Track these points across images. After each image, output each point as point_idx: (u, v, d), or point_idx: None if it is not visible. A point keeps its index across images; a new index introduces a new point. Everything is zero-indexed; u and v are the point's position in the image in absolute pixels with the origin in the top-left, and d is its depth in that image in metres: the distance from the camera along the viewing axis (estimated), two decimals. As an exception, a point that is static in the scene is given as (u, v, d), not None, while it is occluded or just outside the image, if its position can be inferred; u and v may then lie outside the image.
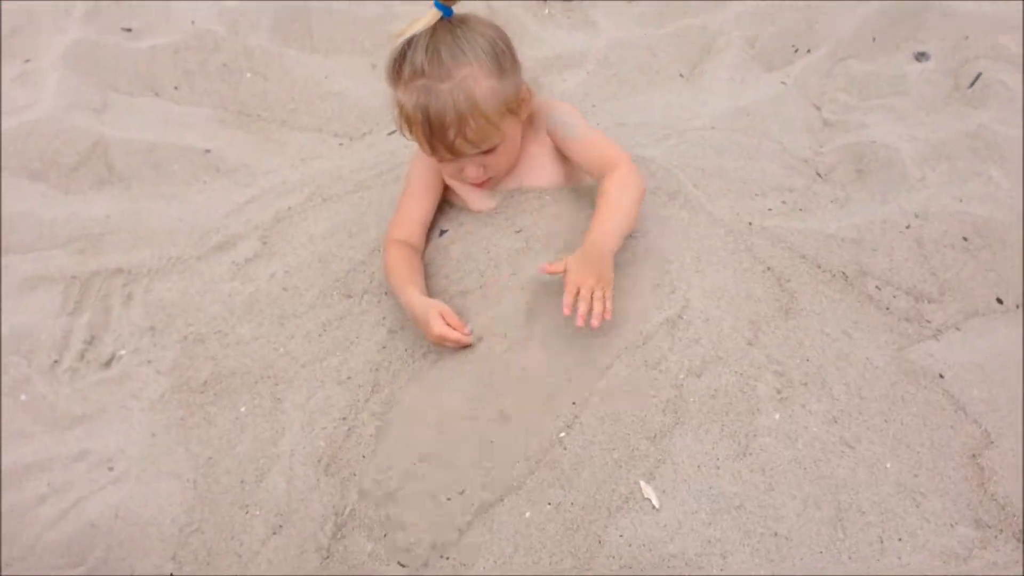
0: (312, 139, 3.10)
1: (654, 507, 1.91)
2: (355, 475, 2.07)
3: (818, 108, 3.19)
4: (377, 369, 2.21)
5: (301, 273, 2.52)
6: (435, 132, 2.08)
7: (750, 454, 1.99)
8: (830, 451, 2.04)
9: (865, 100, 3.14)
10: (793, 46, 3.32)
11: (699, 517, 1.90)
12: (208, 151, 2.99)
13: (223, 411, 2.30)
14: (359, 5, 3.49)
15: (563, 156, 2.36)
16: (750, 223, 2.51)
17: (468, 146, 2.12)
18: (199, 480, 2.18)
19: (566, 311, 1.98)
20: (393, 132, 3.00)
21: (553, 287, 2.14)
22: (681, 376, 2.05)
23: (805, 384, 2.12)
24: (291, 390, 2.27)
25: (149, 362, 2.46)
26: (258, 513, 2.09)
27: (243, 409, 2.29)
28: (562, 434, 2.00)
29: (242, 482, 2.15)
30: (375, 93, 3.16)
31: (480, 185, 2.29)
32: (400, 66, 2.08)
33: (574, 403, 2.02)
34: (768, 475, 1.97)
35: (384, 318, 2.30)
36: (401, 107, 2.12)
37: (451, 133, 2.08)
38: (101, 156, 2.94)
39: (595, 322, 1.98)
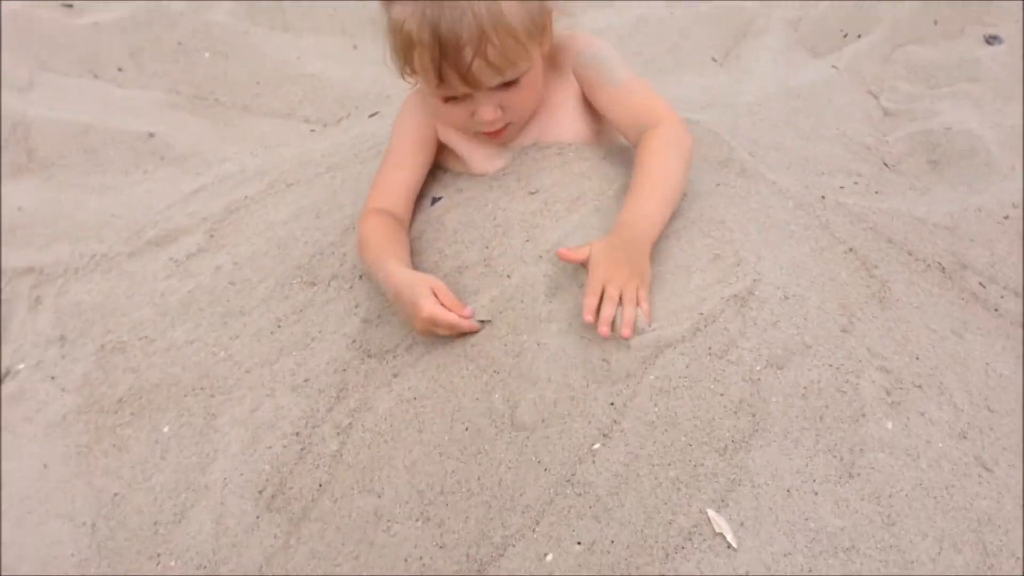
0: (278, 126, 2.59)
1: (730, 546, 1.34)
2: (309, 510, 1.50)
3: (875, 96, 2.71)
4: (344, 369, 1.65)
5: (254, 263, 1.99)
6: (447, 53, 1.55)
7: (858, 475, 1.42)
8: (964, 474, 1.48)
9: (932, 88, 2.67)
10: (841, 30, 2.87)
11: (794, 561, 1.33)
12: (152, 135, 2.48)
13: (140, 433, 1.74)
14: (339, -19, 3.04)
15: (592, 107, 1.83)
16: (823, 196, 1.98)
17: (489, 72, 1.59)
18: (99, 523, 1.61)
19: (587, 317, 1.46)
20: (375, 114, 2.50)
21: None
22: (758, 368, 1.49)
23: (919, 387, 1.57)
24: (231, 402, 1.71)
25: (53, 378, 1.91)
26: (173, 565, 1.51)
27: (166, 429, 1.73)
28: (596, 445, 1.43)
29: (155, 524, 1.58)
30: (358, 76, 2.67)
31: (495, 135, 1.75)
32: None
33: (612, 404, 1.46)
34: (886, 504, 1.40)
35: (357, 306, 1.75)
36: (398, 27, 1.58)
37: (468, 53, 1.55)
38: (21, 140, 2.43)
39: (626, 331, 1.46)
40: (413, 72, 1.64)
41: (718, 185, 1.86)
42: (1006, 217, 2.24)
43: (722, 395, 1.46)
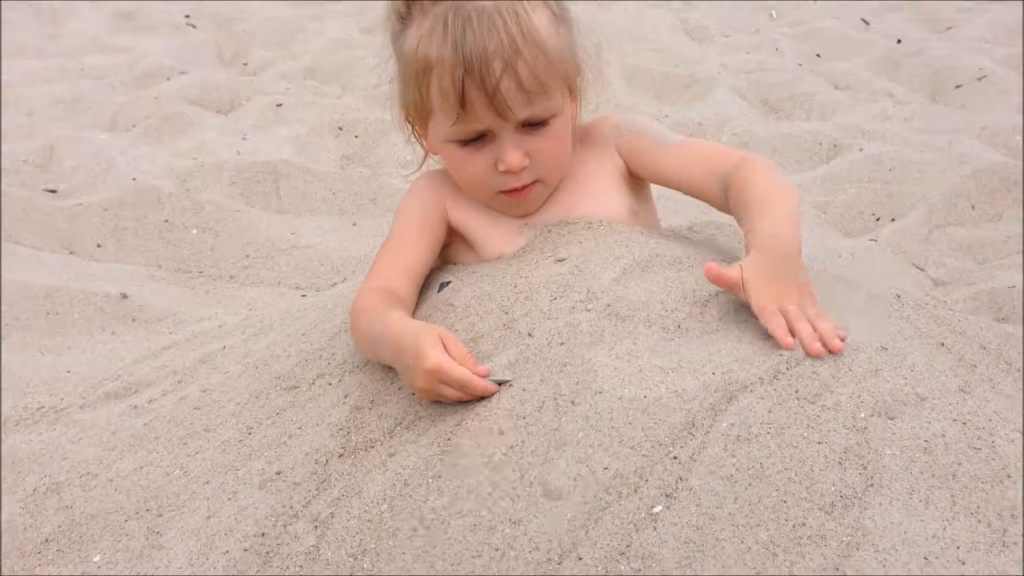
0: (267, 292, 2.36)
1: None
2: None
3: (921, 269, 2.51)
4: (327, 460, 1.30)
5: (226, 386, 1.67)
6: (472, 69, 1.34)
7: (1015, 543, 1.05)
8: None
9: (982, 263, 2.48)
10: (874, 214, 2.72)
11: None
12: (125, 296, 2.23)
13: (64, 568, 1.35)
14: (340, 168, 2.92)
15: (632, 186, 1.60)
16: (898, 295, 1.71)
17: (519, 97, 1.37)
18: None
19: (787, 341, 1.20)
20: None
21: (628, 302, 1.31)
22: (862, 415, 1.15)
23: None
24: (181, 516, 1.34)
25: (-31, 533, 1.53)
26: None
27: (97, 559, 1.35)
28: (657, 508, 1.06)
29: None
30: (356, 245, 2.47)
31: (520, 193, 1.49)
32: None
33: (674, 457, 1.11)
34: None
35: (346, 396, 1.42)
36: (413, 52, 1.39)
37: (497, 68, 1.34)
38: (-23, 302, 2.19)
39: (837, 343, 1.21)
40: (426, 113, 1.43)
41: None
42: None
43: (820, 443, 1.11)
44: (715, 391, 1.17)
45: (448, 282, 1.55)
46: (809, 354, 1.18)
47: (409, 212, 1.60)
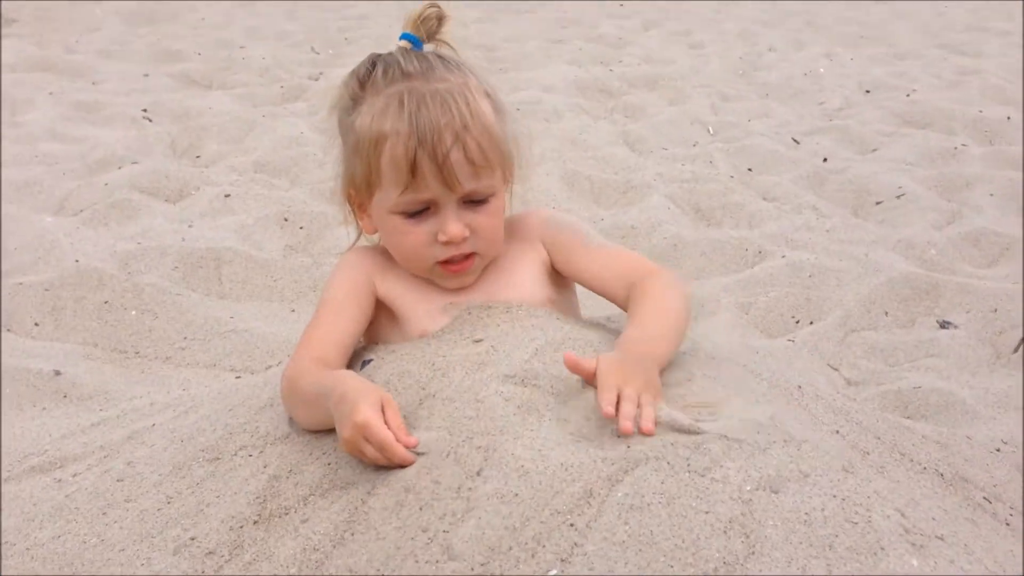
0: (202, 373, 2.39)
1: None
2: None
3: (835, 369, 2.63)
4: (242, 526, 1.34)
5: (151, 459, 1.70)
6: (425, 141, 1.47)
7: (887, 613, 1.12)
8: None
9: (893, 366, 2.62)
10: (793, 317, 2.86)
11: None
12: (58, 373, 2.26)
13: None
14: (283, 257, 2.99)
15: (554, 277, 1.71)
16: (799, 386, 1.81)
17: (466, 169, 1.50)
18: None
19: (607, 409, 1.27)
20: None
21: (538, 378, 1.38)
22: (748, 488, 1.22)
23: (941, 539, 1.30)
24: (88, 584, 1.35)
25: None
26: None
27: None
28: (552, 572, 1.12)
29: None
30: (293, 332, 2.52)
31: (458, 266, 1.59)
32: (369, 74, 1.54)
33: (571, 525, 1.17)
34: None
35: (265, 466, 1.46)
36: (366, 126, 1.51)
37: (448, 140, 1.47)
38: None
39: (650, 426, 1.29)
40: (372, 185, 1.53)
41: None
42: (998, 449, 2.09)
43: (707, 513, 1.18)
44: (612, 463, 1.24)
45: (370, 360, 1.61)
46: (619, 430, 1.27)
47: (339, 285, 1.67)
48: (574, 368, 1.35)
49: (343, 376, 1.39)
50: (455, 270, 1.59)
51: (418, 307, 1.63)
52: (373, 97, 1.52)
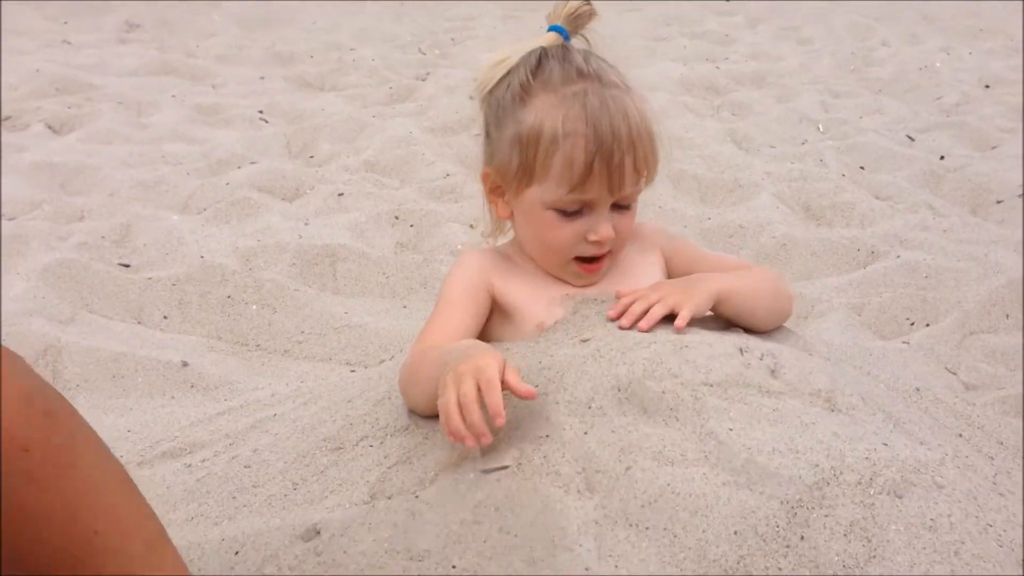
0: (318, 367, 2.48)
1: None
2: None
3: (953, 373, 2.55)
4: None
5: (275, 447, 1.78)
6: (603, 145, 1.51)
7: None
8: None
9: (1014, 370, 2.53)
10: (908, 319, 2.78)
11: None
12: (186, 364, 2.37)
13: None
14: (394, 254, 3.07)
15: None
16: (917, 389, 1.78)
17: (632, 175, 1.57)
18: None
19: (610, 313, 1.55)
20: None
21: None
22: (871, 492, 1.22)
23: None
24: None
25: None
26: None
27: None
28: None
29: None
30: (405, 326, 2.59)
31: (596, 265, 1.66)
32: (538, 69, 1.58)
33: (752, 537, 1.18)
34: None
35: (386, 456, 1.51)
36: (535, 121, 1.56)
37: (623, 149, 1.53)
38: (50, 363, 2.33)
39: (644, 324, 1.51)
40: (529, 179, 1.58)
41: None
42: None
43: (827, 516, 1.18)
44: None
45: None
46: (619, 324, 1.51)
47: (455, 283, 1.72)
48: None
49: (471, 340, 1.49)
50: (593, 269, 1.66)
51: (535, 301, 1.67)
52: (547, 93, 1.56)
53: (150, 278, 2.77)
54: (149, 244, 3.03)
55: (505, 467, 1.31)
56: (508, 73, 1.61)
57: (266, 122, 4.70)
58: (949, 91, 5.27)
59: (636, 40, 7.06)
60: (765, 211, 3.37)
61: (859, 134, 4.39)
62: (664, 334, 1.53)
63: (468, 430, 1.27)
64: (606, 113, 1.52)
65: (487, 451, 1.35)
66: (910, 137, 4.38)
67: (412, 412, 1.61)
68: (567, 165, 1.53)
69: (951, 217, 3.37)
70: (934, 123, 4.61)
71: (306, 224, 3.26)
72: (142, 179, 3.64)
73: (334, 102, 5.09)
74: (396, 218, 3.37)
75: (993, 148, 4.22)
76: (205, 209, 3.41)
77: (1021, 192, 3.52)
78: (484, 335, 1.76)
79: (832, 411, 1.36)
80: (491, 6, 9.04)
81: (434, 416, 1.46)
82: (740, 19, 8.08)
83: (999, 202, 3.52)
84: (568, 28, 1.65)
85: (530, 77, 1.58)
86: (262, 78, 5.73)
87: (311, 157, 4.23)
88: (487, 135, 1.67)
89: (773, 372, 1.43)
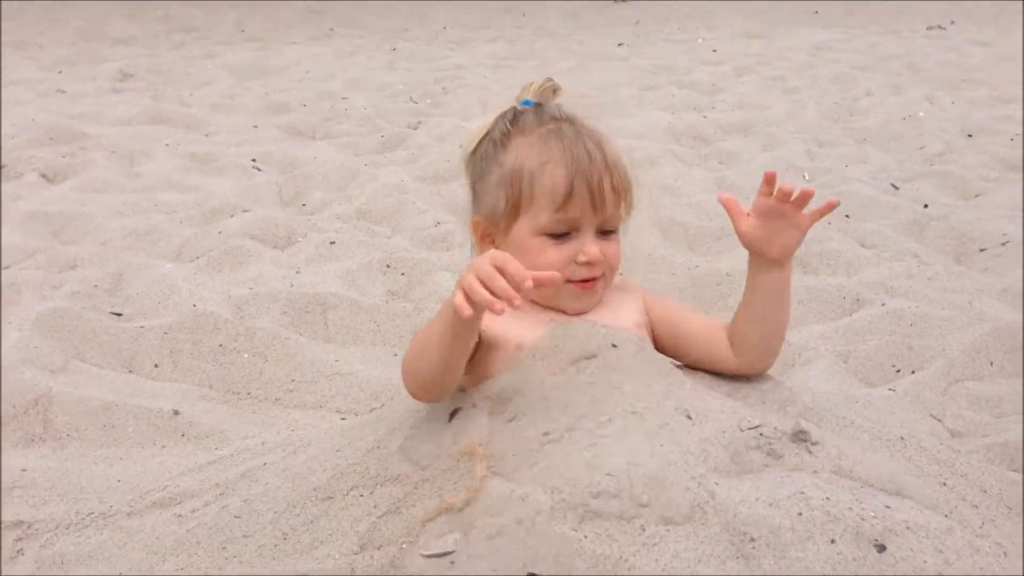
0: (309, 415, 2.49)
1: None
2: None
3: (939, 420, 2.58)
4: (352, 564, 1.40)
5: (266, 497, 1.79)
6: (581, 168, 1.70)
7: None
8: None
9: (999, 417, 2.56)
10: (894, 366, 2.81)
11: None
12: (177, 412, 2.38)
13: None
14: (385, 302, 3.09)
15: (649, 331, 1.88)
16: (901, 438, 1.80)
17: (611, 197, 1.74)
18: None
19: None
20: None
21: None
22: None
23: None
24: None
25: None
26: None
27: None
28: None
29: None
30: (396, 376, 2.60)
31: (589, 284, 1.77)
32: (514, 120, 1.78)
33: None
34: None
35: (376, 506, 1.53)
36: (516, 158, 1.74)
37: (599, 170, 1.71)
38: (40, 412, 2.34)
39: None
40: (516, 211, 1.73)
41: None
42: None
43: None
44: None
45: (458, 408, 1.68)
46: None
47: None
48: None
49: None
50: (589, 286, 1.77)
51: (521, 326, 1.75)
52: (524, 136, 1.76)
53: (142, 327, 2.78)
54: (141, 293, 3.05)
55: (449, 552, 1.33)
56: (487, 132, 1.80)
57: (259, 170, 4.75)
58: (932, 140, 5.35)
59: (625, 89, 7.16)
60: (752, 259, 3.41)
61: (844, 183, 4.45)
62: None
63: (497, 294, 1.42)
64: (581, 142, 1.72)
65: (429, 536, 1.38)
66: (894, 186, 4.45)
67: (420, 394, 1.73)
68: (551, 188, 1.70)
69: (935, 265, 3.41)
70: (918, 172, 4.68)
71: (298, 272, 3.29)
72: (135, 228, 3.67)
73: (326, 150, 5.14)
74: (387, 266, 3.40)
75: (976, 197, 4.29)
76: (198, 257, 3.44)
77: (1004, 241, 3.58)
78: (471, 370, 1.79)
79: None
80: (480, 56, 9.17)
81: (445, 377, 1.64)
82: (727, 68, 8.20)
83: (982, 250, 3.57)
84: (538, 101, 1.84)
85: (508, 126, 1.77)
86: (255, 127, 5.79)
87: (303, 205, 4.27)
88: (473, 191, 1.84)
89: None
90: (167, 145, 5.15)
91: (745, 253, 3.55)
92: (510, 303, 1.41)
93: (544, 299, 1.80)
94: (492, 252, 1.47)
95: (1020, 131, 5.42)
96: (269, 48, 9.49)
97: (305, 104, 6.47)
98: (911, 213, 3.97)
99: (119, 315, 2.90)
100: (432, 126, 5.77)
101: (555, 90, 1.86)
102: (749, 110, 6.35)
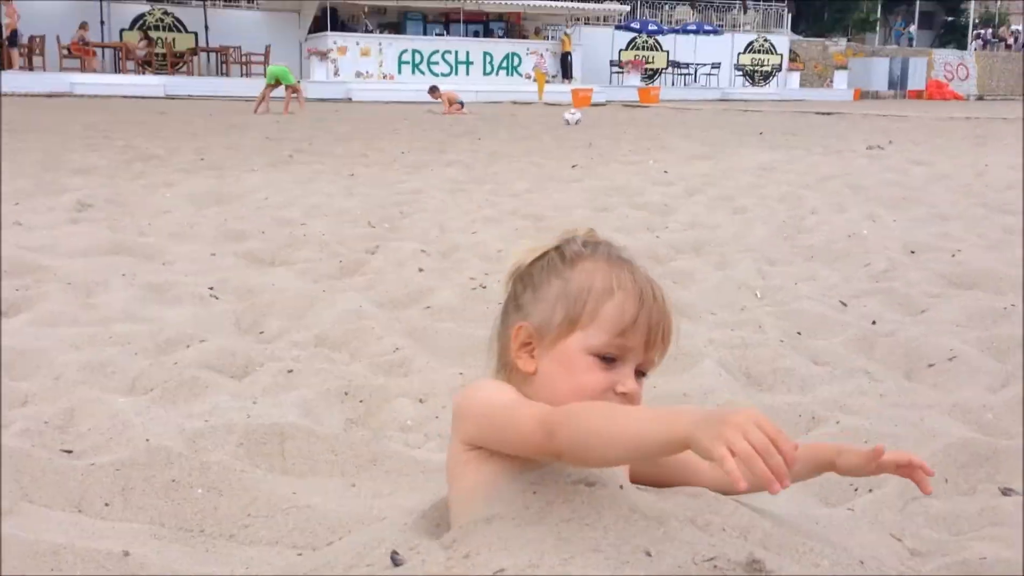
0: (264, 551, 2.43)
1: None
2: None
3: (899, 539, 2.60)
4: None
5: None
6: (645, 303, 1.79)
7: None
8: None
9: (957, 535, 2.59)
10: (852, 485, 2.84)
11: None
12: (127, 553, 2.32)
13: None
14: (343, 431, 3.06)
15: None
16: (861, 562, 1.80)
17: (662, 341, 1.84)
18: None
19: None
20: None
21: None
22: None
23: None
24: None
25: None
26: None
27: None
28: None
29: None
30: (352, 507, 2.57)
31: None
32: (585, 246, 1.89)
33: None
34: None
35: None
36: (593, 276, 1.82)
37: (663, 311, 1.83)
38: (-17, 559, 2.27)
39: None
40: (572, 326, 1.78)
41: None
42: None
43: None
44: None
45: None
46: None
47: (502, 390, 1.82)
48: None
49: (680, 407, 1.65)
50: None
51: None
52: (595, 261, 1.85)
53: (93, 463, 2.73)
54: (93, 428, 3.00)
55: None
56: (544, 253, 1.89)
57: (216, 299, 4.75)
58: (877, 258, 5.52)
59: (580, 211, 7.33)
60: (708, 378, 3.46)
61: (795, 300, 4.56)
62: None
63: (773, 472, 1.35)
64: (649, 283, 1.82)
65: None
66: (843, 303, 4.56)
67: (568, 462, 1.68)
68: (618, 312, 1.77)
69: (887, 382, 3.48)
70: (864, 289, 4.81)
71: (255, 403, 3.26)
72: (88, 361, 3.63)
73: (284, 277, 5.17)
74: (345, 394, 3.39)
75: (922, 312, 4.40)
76: (152, 390, 3.40)
77: (951, 356, 3.66)
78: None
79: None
80: (438, 180, 9.35)
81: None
82: (678, 189, 8.45)
83: (931, 366, 3.65)
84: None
85: (581, 248, 1.88)
86: (213, 254, 5.81)
87: (261, 333, 4.26)
88: (517, 303, 1.89)
89: None
90: (123, 275, 5.15)
91: (701, 372, 3.59)
92: (780, 484, 1.34)
93: None
94: (754, 414, 1.41)
95: (960, 248, 5.61)
96: (228, 176, 9.61)
97: (264, 231, 6.53)
98: (860, 330, 4.06)
99: (69, 452, 2.85)
100: (390, 251, 5.84)
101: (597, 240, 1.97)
102: (700, 230, 6.52)
